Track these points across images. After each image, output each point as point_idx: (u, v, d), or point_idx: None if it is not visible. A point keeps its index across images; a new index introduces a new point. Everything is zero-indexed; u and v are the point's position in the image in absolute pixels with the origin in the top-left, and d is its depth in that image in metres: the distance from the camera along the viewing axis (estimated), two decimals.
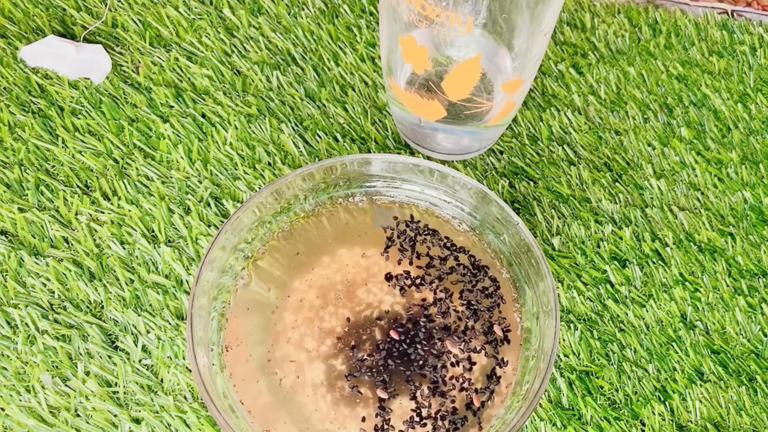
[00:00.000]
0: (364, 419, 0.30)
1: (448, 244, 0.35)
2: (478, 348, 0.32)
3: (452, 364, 0.32)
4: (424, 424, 0.30)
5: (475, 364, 0.32)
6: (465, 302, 0.34)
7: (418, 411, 0.31)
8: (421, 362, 0.32)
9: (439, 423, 0.31)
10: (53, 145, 0.39)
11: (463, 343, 0.32)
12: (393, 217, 0.36)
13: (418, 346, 0.32)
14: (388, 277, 0.34)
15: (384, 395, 0.31)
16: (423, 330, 0.33)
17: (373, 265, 0.35)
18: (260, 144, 0.41)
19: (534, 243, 0.33)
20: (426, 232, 0.36)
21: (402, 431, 0.30)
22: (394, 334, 0.32)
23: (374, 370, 0.31)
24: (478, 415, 0.31)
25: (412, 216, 0.36)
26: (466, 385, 0.31)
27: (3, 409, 0.32)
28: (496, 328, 0.33)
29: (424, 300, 0.34)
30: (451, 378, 0.32)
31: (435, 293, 0.34)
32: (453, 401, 0.31)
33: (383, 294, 0.34)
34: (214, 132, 0.41)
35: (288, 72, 0.44)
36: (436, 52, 0.34)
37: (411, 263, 0.35)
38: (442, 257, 0.35)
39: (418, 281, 0.34)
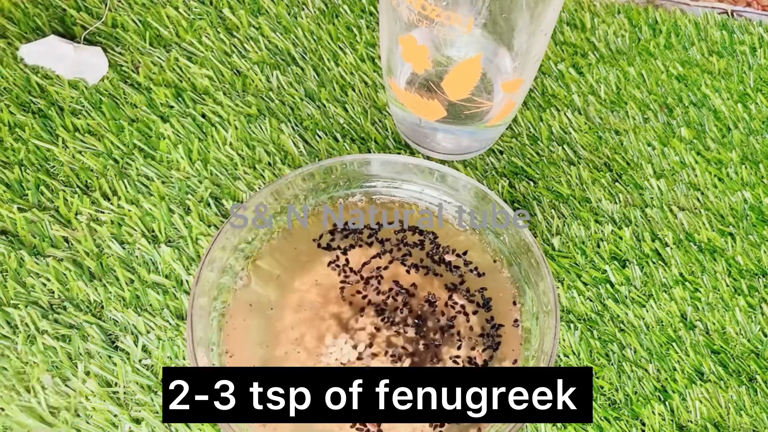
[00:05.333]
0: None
1: (375, 234, 0.36)
2: (480, 302, 0.34)
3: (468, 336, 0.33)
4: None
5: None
6: (417, 266, 0.35)
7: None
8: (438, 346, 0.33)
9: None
10: (53, 145, 0.39)
11: (466, 299, 0.34)
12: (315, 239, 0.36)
13: (432, 334, 0.32)
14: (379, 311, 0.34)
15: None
16: (431, 310, 0.34)
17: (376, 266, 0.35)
18: (260, 144, 0.41)
19: (534, 243, 0.33)
20: (351, 231, 0.36)
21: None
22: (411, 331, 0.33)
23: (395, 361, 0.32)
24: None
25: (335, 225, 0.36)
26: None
27: (3, 409, 0.32)
28: (449, 257, 0.35)
29: (412, 288, 0.34)
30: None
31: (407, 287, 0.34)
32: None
33: (383, 294, 0.34)
34: (214, 132, 0.41)
35: (288, 72, 0.44)
36: (436, 52, 0.34)
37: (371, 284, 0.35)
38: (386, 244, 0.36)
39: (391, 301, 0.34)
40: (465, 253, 0.35)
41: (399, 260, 0.35)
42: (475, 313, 0.34)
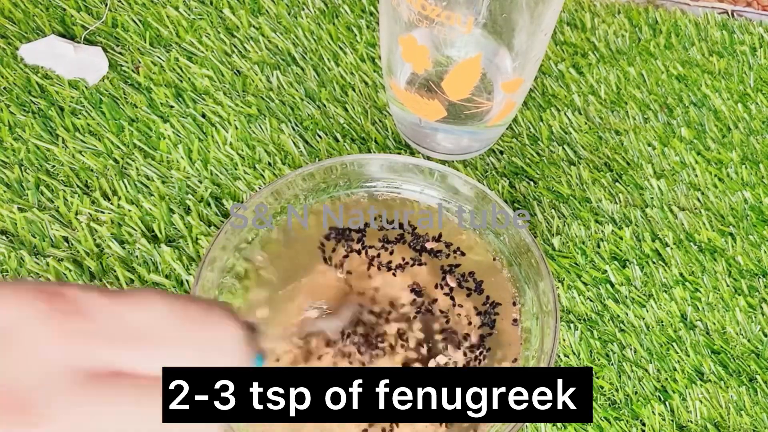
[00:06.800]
0: None
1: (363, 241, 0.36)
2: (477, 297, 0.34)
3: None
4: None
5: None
6: (406, 263, 0.35)
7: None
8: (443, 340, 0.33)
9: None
10: (53, 145, 0.39)
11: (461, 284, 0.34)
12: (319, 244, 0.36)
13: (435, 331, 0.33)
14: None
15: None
16: (434, 307, 0.34)
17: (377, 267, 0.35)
18: (260, 144, 0.41)
19: (534, 243, 0.33)
20: (344, 237, 0.36)
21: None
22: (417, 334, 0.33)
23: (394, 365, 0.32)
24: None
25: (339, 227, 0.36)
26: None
27: None
28: (429, 245, 0.35)
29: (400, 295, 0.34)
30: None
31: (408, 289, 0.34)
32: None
33: (383, 294, 0.34)
34: (214, 132, 0.41)
35: (288, 72, 0.44)
36: (436, 52, 0.34)
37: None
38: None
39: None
40: (440, 237, 0.35)
41: (387, 259, 0.35)
42: (468, 295, 0.34)
